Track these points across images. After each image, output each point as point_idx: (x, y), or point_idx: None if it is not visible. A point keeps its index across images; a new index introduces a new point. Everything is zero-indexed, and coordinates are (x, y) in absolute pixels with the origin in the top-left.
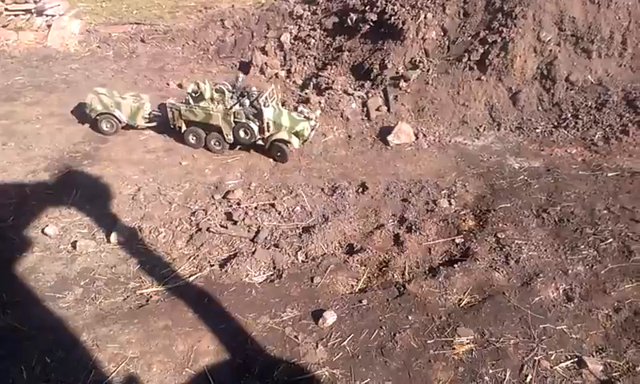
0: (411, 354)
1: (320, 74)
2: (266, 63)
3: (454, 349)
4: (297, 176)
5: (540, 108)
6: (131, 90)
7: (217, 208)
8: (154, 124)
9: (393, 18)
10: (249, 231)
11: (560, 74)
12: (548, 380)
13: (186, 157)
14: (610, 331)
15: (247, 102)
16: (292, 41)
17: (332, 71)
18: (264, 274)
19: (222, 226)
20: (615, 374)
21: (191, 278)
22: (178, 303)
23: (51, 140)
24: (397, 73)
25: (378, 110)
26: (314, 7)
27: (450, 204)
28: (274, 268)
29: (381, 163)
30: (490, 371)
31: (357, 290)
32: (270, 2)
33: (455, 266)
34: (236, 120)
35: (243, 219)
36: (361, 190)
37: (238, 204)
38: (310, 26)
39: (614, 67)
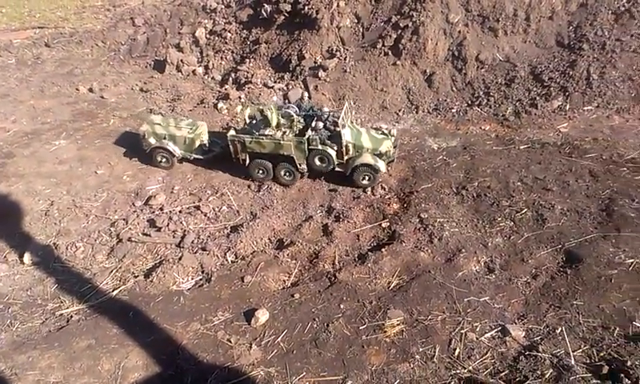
0: (345, 342)
1: (239, 68)
2: (182, 60)
3: (386, 332)
4: (222, 175)
5: (454, 88)
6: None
7: (138, 216)
8: (207, 156)
9: (307, 7)
10: (174, 237)
11: (470, 53)
12: (475, 351)
13: (102, 165)
14: (529, 298)
15: (320, 124)
16: (207, 36)
17: (251, 65)
18: (192, 279)
19: (144, 234)
20: (537, 338)
21: (114, 293)
22: (101, 320)
23: None
24: (315, 63)
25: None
26: (228, 0)
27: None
28: (203, 272)
29: None
30: (421, 349)
31: (289, 285)
32: None
33: (383, 250)
34: (310, 147)
35: (167, 225)
36: None
37: (161, 209)
38: (224, 20)
39: (520, 44)
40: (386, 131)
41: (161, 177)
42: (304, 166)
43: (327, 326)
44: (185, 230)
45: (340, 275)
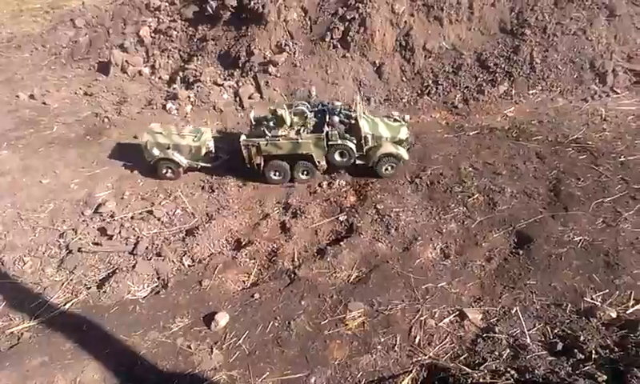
0: (307, 339)
1: (186, 66)
2: (126, 61)
3: (347, 325)
4: None
5: (404, 78)
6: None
7: (88, 225)
8: (215, 163)
9: (253, 2)
10: (127, 244)
11: (417, 43)
12: (435, 337)
13: (47, 174)
14: (484, 281)
15: (336, 118)
16: (152, 35)
17: (199, 63)
18: (148, 286)
19: (95, 243)
20: (493, 320)
21: (67, 306)
22: (54, 336)
23: None
24: (265, 58)
25: (250, 97)
26: None
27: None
28: (159, 278)
29: None
30: (382, 339)
31: (248, 285)
32: None
33: (341, 243)
34: (330, 142)
35: (119, 232)
36: (242, 182)
37: (112, 216)
38: (169, 18)
39: (465, 31)
40: (399, 118)
41: (110, 183)
42: (323, 163)
43: (289, 323)
44: (138, 237)
45: (300, 272)
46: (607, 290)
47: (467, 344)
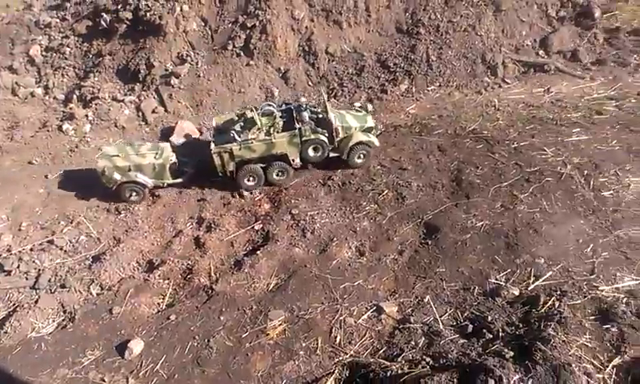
0: (228, 354)
1: (83, 84)
2: (17, 83)
3: (268, 334)
4: (76, 202)
5: (310, 83)
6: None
7: None
8: (183, 178)
9: (149, 13)
10: (27, 278)
11: (319, 47)
12: (355, 334)
13: None
14: (398, 273)
15: (306, 114)
16: (44, 53)
17: (96, 79)
18: (54, 321)
19: None
20: (408, 310)
21: None
22: None
23: None
24: (166, 70)
25: (154, 111)
26: (63, 13)
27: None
28: (65, 311)
29: None
30: (304, 344)
31: (164, 307)
32: (11, 14)
33: (258, 252)
34: (303, 138)
35: (18, 267)
36: (151, 200)
37: (9, 251)
38: (61, 34)
39: (364, 33)
40: (361, 109)
41: (5, 214)
42: (297, 161)
43: (208, 341)
44: (39, 269)
45: (217, 286)
46: (509, 270)
47: (385, 337)
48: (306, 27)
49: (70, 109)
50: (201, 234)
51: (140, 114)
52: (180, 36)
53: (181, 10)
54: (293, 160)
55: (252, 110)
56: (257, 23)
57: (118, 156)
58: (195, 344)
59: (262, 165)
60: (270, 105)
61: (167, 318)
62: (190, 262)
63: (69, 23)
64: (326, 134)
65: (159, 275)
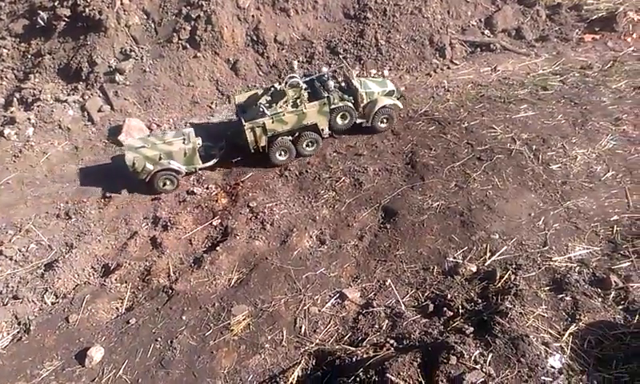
0: (193, 354)
1: (22, 86)
2: None
3: (233, 330)
4: (22, 209)
5: (261, 72)
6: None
7: None
8: (214, 161)
9: (87, 9)
10: None
11: (268, 36)
12: (319, 323)
13: None
14: (359, 259)
15: (331, 83)
16: None
17: (37, 80)
18: (8, 334)
19: None
20: (371, 295)
21: None
22: None
23: None
24: (110, 67)
25: (100, 110)
26: None
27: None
28: (19, 323)
29: (117, 167)
30: (269, 337)
31: (123, 312)
32: None
33: (218, 248)
34: (332, 106)
35: None
36: (103, 202)
37: None
38: None
39: (312, 20)
40: (378, 75)
41: None
42: (327, 130)
43: (171, 342)
44: None
45: (177, 286)
46: (466, 247)
47: (350, 323)
48: (253, 16)
49: (11, 113)
50: (157, 234)
51: (85, 113)
52: (122, 31)
53: (121, 3)
54: (322, 129)
55: (279, 83)
56: (201, 14)
57: (144, 147)
58: (158, 346)
59: (290, 138)
60: (294, 77)
61: (127, 322)
62: (147, 263)
63: (4, 23)
64: (352, 101)
65: (116, 279)
